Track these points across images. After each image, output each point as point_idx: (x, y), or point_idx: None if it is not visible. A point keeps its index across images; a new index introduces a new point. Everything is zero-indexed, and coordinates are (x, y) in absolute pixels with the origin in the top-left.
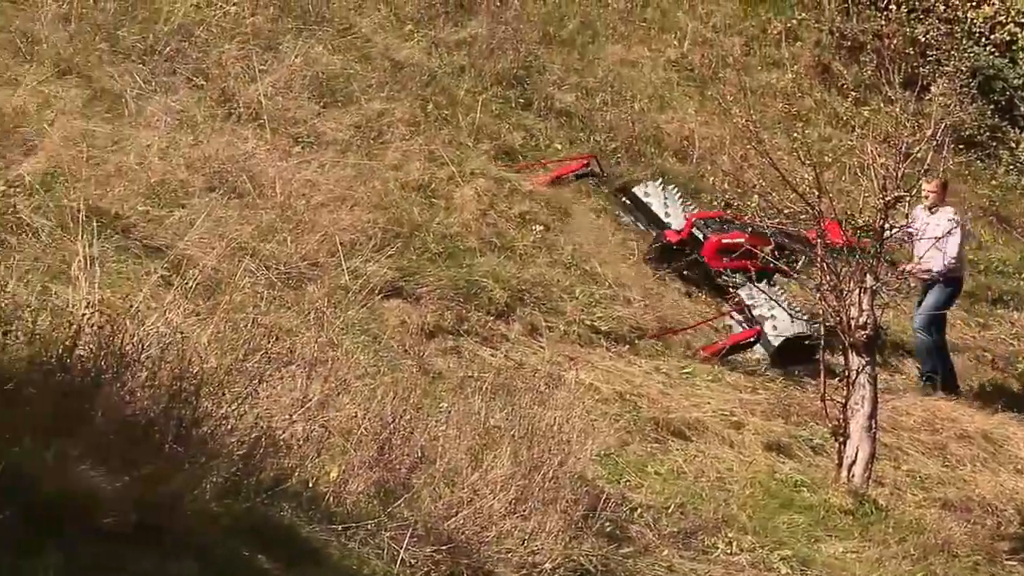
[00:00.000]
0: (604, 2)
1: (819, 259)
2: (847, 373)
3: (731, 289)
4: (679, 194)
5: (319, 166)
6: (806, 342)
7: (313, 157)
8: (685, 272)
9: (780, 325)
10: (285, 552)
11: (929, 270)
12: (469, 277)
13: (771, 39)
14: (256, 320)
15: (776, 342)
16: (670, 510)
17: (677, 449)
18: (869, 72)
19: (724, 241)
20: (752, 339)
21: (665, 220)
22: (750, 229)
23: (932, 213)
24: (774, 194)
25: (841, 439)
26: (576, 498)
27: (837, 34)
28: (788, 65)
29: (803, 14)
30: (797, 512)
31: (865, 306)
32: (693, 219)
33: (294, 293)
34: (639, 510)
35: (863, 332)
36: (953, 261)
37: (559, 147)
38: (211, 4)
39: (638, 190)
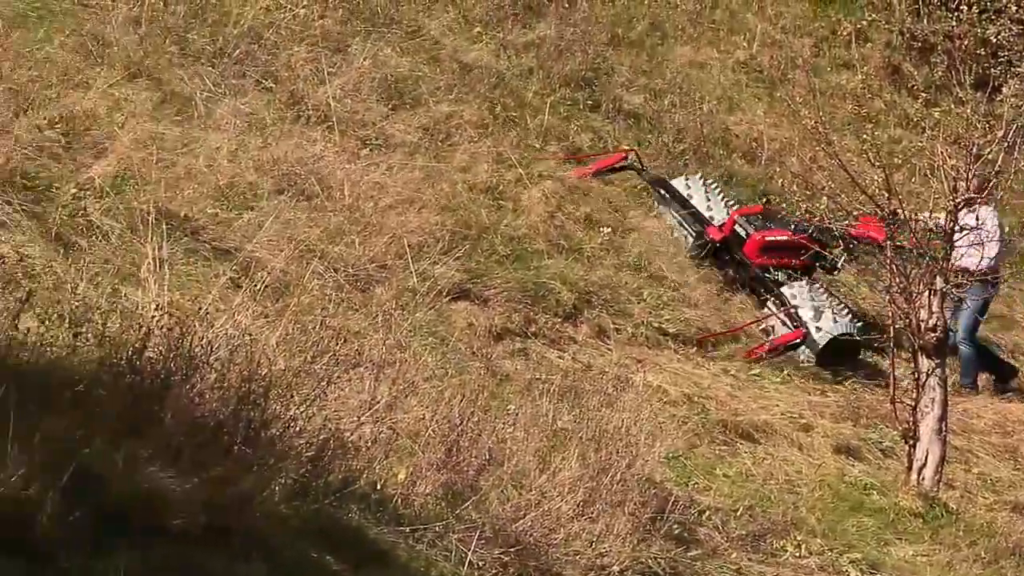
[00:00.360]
0: (673, 4)
1: (888, 261)
2: (916, 376)
3: (776, 288)
4: (719, 189)
5: (387, 168)
6: (871, 342)
7: (381, 159)
8: (727, 270)
9: (825, 325)
10: (353, 554)
11: (966, 270)
12: (537, 279)
13: (841, 40)
14: (324, 322)
15: (821, 342)
16: (738, 513)
17: (745, 451)
18: (940, 73)
19: (768, 239)
20: (798, 340)
21: (707, 215)
22: (793, 226)
23: (970, 211)
24: (843, 196)
25: (911, 442)
26: (644, 500)
27: (908, 35)
28: (858, 66)
29: (873, 15)
30: (867, 515)
31: (935, 308)
32: (736, 216)
33: (362, 295)
34: (707, 512)
35: (933, 335)
36: (991, 262)
37: (626, 149)
38: (280, 7)
39: (678, 184)
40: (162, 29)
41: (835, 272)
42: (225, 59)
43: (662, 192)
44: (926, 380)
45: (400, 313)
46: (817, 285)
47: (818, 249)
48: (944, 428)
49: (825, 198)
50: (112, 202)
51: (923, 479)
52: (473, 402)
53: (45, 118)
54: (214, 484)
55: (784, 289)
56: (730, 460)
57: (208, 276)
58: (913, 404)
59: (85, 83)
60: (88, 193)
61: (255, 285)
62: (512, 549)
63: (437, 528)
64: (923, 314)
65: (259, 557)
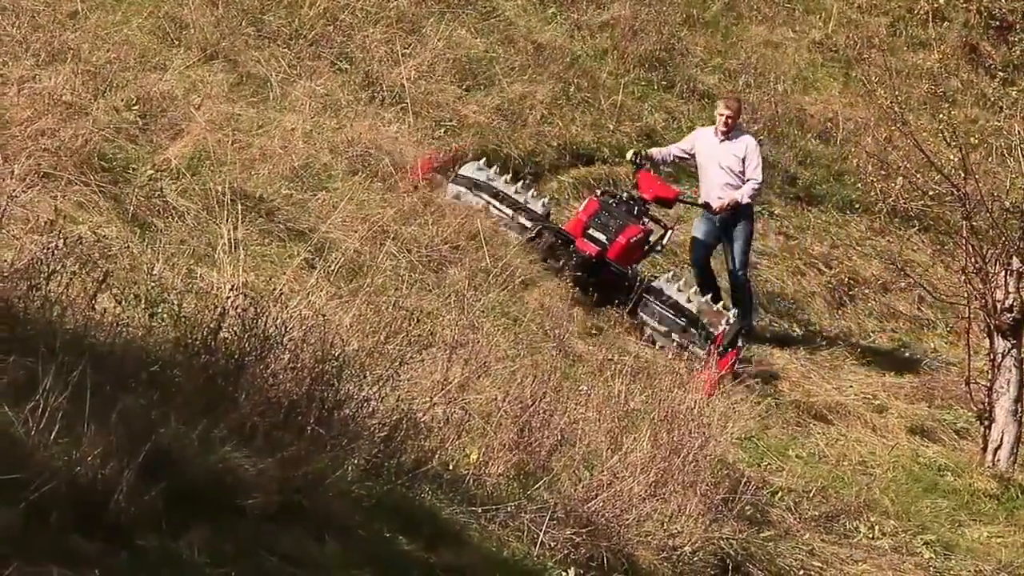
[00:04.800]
0: None
1: (964, 242)
2: (992, 356)
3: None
4: (503, 173)
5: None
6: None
7: (455, 140)
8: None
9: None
10: (425, 534)
11: (738, 203)
12: None
13: (918, 19)
14: (397, 303)
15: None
16: (811, 494)
17: (819, 433)
18: (1018, 52)
19: (632, 240)
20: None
21: (524, 203)
22: (639, 216)
23: (728, 139)
24: (919, 176)
25: (986, 423)
26: (716, 481)
27: (985, 13)
28: (935, 45)
29: None
30: (941, 496)
31: (1011, 288)
32: (584, 220)
33: (435, 276)
34: (780, 493)
35: (1009, 315)
36: (761, 186)
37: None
38: None
39: (471, 171)
40: (238, 11)
41: (661, 252)
42: (300, 40)
43: (464, 187)
44: (1002, 360)
45: (473, 294)
46: (673, 274)
47: (669, 229)
48: (1020, 409)
49: (901, 178)
50: (188, 183)
51: (998, 460)
52: (545, 383)
53: (122, 100)
54: (288, 464)
55: (672, 293)
56: (803, 441)
57: (282, 257)
58: (988, 385)
59: (162, 65)
60: (164, 174)
61: (329, 266)
62: (584, 530)
63: (509, 508)
64: (999, 294)
65: (332, 536)
